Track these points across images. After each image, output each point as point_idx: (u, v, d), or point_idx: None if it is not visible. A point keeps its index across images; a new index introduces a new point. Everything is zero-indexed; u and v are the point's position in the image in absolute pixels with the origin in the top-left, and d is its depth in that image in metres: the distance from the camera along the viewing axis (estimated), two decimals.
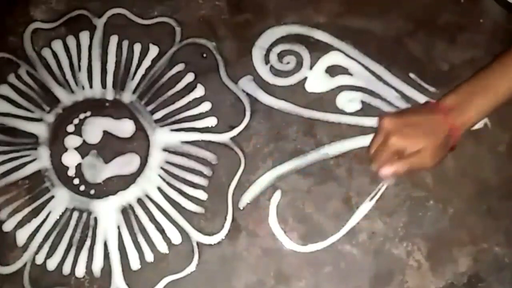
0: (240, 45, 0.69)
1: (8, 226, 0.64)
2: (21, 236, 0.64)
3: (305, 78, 0.68)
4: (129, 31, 0.70)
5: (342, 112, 0.67)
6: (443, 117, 0.58)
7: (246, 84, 0.68)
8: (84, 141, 0.67)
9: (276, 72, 0.68)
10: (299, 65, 0.68)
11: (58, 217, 0.64)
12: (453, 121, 0.58)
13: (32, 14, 0.70)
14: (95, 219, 0.64)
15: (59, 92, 0.68)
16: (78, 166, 0.66)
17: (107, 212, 0.64)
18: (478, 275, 0.61)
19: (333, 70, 0.68)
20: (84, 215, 0.64)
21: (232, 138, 0.66)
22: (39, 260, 0.63)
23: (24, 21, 0.70)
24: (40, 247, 0.63)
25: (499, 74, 0.58)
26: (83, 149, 0.66)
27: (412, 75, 0.67)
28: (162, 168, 0.66)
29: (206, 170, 0.65)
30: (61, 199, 0.65)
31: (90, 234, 0.64)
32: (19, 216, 0.64)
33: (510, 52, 0.59)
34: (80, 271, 0.62)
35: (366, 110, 0.67)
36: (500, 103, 0.59)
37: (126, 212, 0.64)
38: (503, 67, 0.58)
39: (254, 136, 0.66)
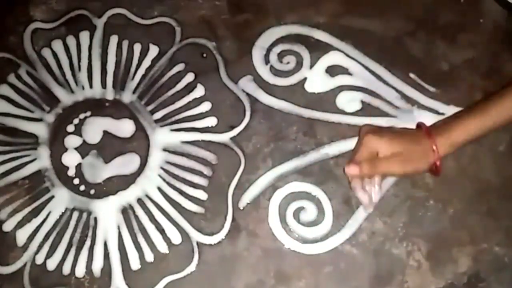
0: (240, 45, 0.69)
1: (8, 226, 0.64)
2: (21, 236, 0.64)
3: (305, 78, 0.68)
4: (129, 31, 0.70)
5: (342, 112, 0.67)
6: (425, 133, 0.58)
7: (246, 84, 0.68)
8: (84, 141, 0.67)
9: (276, 72, 0.68)
10: (299, 65, 0.68)
11: (58, 217, 0.64)
12: (434, 137, 0.57)
13: (32, 14, 0.71)
14: (95, 219, 0.64)
15: (59, 92, 0.68)
16: (78, 166, 0.66)
17: (107, 212, 0.64)
18: (478, 275, 0.61)
19: (333, 70, 0.68)
20: (84, 215, 0.64)
21: (232, 138, 0.66)
22: (39, 260, 0.63)
23: (24, 21, 0.70)
24: (40, 247, 0.63)
25: (492, 100, 0.57)
26: (83, 149, 0.66)
27: (412, 75, 0.67)
28: (162, 168, 0.66)
29: (206, 170, 0.65)
30: (61, 199, 0.65)
31: (90, 234, 0.64)
32: (19, 216, 0.64)
33: (502, 90, 0.58)
34: (80, 271, 0.62)
35: (366, 110, 0.67)
36: (492, 126, 0.57)
37: (126, 212, 0.64)
38: (497, 95, 0.58)
39: (254, 136, 0.66)
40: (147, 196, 0.65)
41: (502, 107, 0.57)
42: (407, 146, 0.57)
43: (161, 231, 0.64)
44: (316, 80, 0.68)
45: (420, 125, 0.60)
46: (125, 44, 0.69)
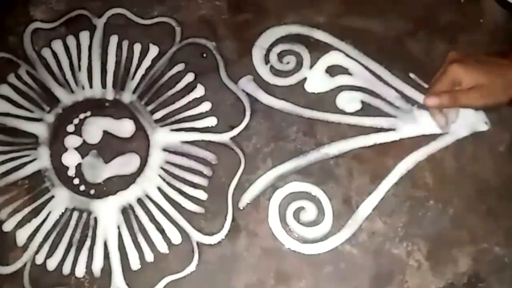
0: (240, 45, 0.69)
1: (8, 226, 0.64)
2: (21, 236, 0.64)
3: (305, 78, 0.68)
4: (129, 31, 0.70)
5: (342, 112, 0.67)
6: (510, 62, 0.56)
7: (246, 84, 0.68)
8: (84, 141, 0.67)
9: (276, 72, 0.68)
10: (299, 65, 0.68)
11: (58, 217, 0.64)
12: None
13: (32, 14, 0.70)
14: (95, 219, 0.64)
15: (59, 92, 0.68)
16: (78, 166, 0.66)
17: (107, 212, 0.64)
18: (478, 275, 0.61)
19: (333, 70, 0.68)
20: (84, 215, 0.64)
21: (232, 138, 0.66)
22: (39, 260, 0.63)
23: (24, 21, 0.70)
24: (40, 247, 0.63)
25: None
26: (83, 149, 0.66)
27: (412, 75, 0.67)
28: (162, 168, 0.66)
29: (206, 170, 0.65)
30: (61, 199, 0.65)
31: (90, 234, 0.64)
32: (19, 216, 0.64)
33: None
34: (80, 271, 0.62)
35: (366, 110, 0.67)
36: None
37: (126, 212, 0.64)
38: None
39: (254, 136, 0.66)
40: (147, 196, 0.65)
41: None
42: (491, 78, 0.55)
43: (161, 231, 0.64)
44: (316, 80, 0.68)
45: (506, 53, 0.58)
46: (125, 44, 0.69)
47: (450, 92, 0.56)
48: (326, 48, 0.69)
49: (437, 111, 0.59)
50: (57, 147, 0.66)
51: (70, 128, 0.67)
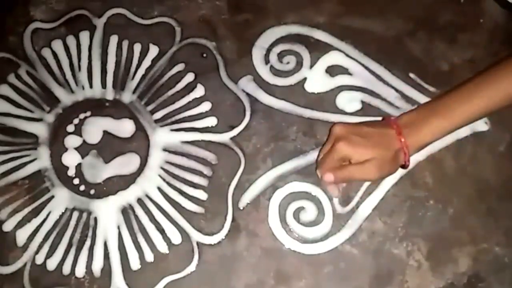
0: (240, 45, 0.69)
1: (8, 226, 0.64)
2: (21, 236, 0.64)
3: (305, 78, 0.68)
4: (129, 31, 0.70)
5: (342, 112, 0.67)
6: (395, 132, 0.58)
7: (246, 84, 0.68)
8: (84, 141, 0.67)
9: (276, 72, 0.68)
10: (299, 65, 0.68)
11: (58, 217, 0.64)
12: (405, 138, 0.57)
13: (32, 14, 0.70)
14: (95, 219, 0.64)
15: (59, 92, 0.68)
16: (78, 166, 0.66)
17: (107, 212, 0.64)
18: (478, 275, 0.61)
19: (333, 70, 0.68)
20: (84, 215, 0.64)
21: (232, 138, 0.66)
22: (39, 260, 0.63)
23: (24, 21, 0.70)
24: (40, 247, 0.63)
25: (459, 97, 0.58)
26: (83, 149, 0.66)
27: (412, 75, 0.67)
28: (162, 168, 0.66)
29: (206, 170, 0.65)
30: (61, 199, 0.65)
31: (90, 234, 0.64)
32: (19, 216, 0.64)
33: (474, 78, 0.58)
34: (80, 271, 0.62)
35: (366, 110, 0.67)
36: (458, 126, 0.58)
37: (126, 212, 0.64)
38: (465, 90, 0.58)
39: (254, 136, 0.66)
40: (147, 196, 0.65)
41: (471, 103, 0.57)
42: (379, 152, 0.57)
43: (161, 231, 0.64)
44: (316, 80, 0.68)
45: (389, 122, 0.59)
46: (125, 44, 0.69)
47: (344, 168, 0.57)
48: (326, 48, 0.69)
49: (331, 185, 0.60)
50: (57, 147, 0.66)
51: (70, 128, 0.67)
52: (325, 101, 0.67)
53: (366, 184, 0.64)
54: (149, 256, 0.63)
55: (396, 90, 0.67)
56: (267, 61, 0.68)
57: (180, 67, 0.69)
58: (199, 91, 0.68)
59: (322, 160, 0.60)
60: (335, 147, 0.57)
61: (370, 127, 0.59)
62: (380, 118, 0.63)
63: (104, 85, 0.68)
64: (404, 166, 0.60)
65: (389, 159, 0.57)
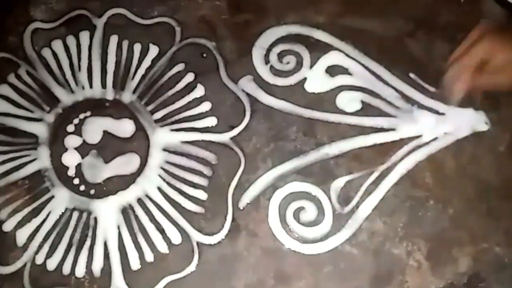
0: (240, 45, 0.69)
1: (8, 226, 0.64)
2: (21, 236, 0.64)
3: (305, 78, 0.68)
4: (129, 31, 0.70)
5: (342, 112, 0.67)
6: None
7: (246, 84, 0.68)
8: (84, 141, 0.66)
9: (276, 72, 0.68)
10: (299, 65, 0.68)
11: (58, 217, 0.64)
12: None
13: (32, 14, 0.70)
14: (95, 219, 0.64)
15: (59, 92, 0.68)
16: (78, 166, 0.66)
17: (107, 212, 0.64)
18: (478, 275, 0.61)
19: (333, 70, 0.68)
20: (84, 215, 0.64)
21: (232, 138, 0.66)
22: (39, 260, 0.63)
23: (24, 21, 0.70)
24: (40, 247, 0.63)
25: None
26: (83, 149, 0.66)
27: (412, 75, 0.67)
28: (162, 168, 0.66)
29: (206, 170, 0.65)
30: (61, 199, 0.65)
31: (90, 234, 0.64)
32: (19, 216, 0.64)
33: None
34: (80, 271, 0.62)
35: (366, 110, 0.67)
36: None
37: (126, 212, 0.64)
38: None
39: (254, 136, 0.66)
40: (147, 196, 0.65)
41: None
42: None
43: (161, 231, 0.64)
44: (316, 80, 0.68)
45: None
46: (125, 44, 0.69)
47: (480, 73, 0.51)
48: (326, 48, 0.68)
49: (456, 82, 0.55)
50: (57, 147, 0.66)
51: (70, 128, 0.67)
52: (325, 101, 0.67)
53: (366, 184, 0.64)
54: (149, 256, 0.63)
55: (396, 90, 0.67)
56: (267, 61, 0.68)
57: (180, 67, 0.69)
58: (199, 91, 0.68)
59: (458, 56, 0.53)
60: (473, 48, 0.51)
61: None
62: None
63: (104, 85, 0.68)
64: None
65: None
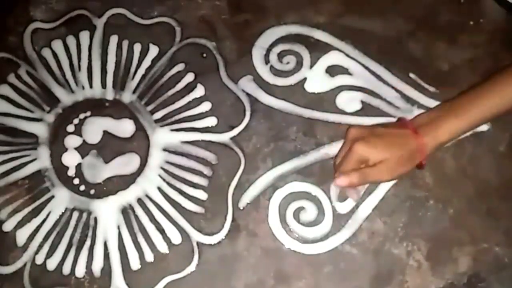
0: (240, 45, 0.69)
1: (8, 226, 0.64)
2: (21, 236, 0.64)
3: (305, 78, 0.68)
4: (129, 31, 0.70)
5: (342, 112, 0.67)
6: (411, 132, 0.57)
7: (246, 84, 0.68)
8: (84, 141, 0.67)
9: (276, 72, 0.68)
10: (299, 65, 0.68)
11: (58, 217, 0.64)
12: (421, 137, 0.57)
13: (32, 14, 0.70)
14: (95, 219, 0.64)
15: (59, 92, 0.68)
16: (78, 166, 0.66)
17: (107, 212, 0.64)
18: (478, 275, 0.61)
19: (333, 70, 0.68)
20: (84, 215, 0.64)
21: (232, 138, 0.66)
22: (39, 260, 0.63)
23: (24, 21, 0.70)
24: (40, 247, 0.63)
25: (475, 96, 0.58)
26: (83, 149, 0.66)
27: (412, 75, 0.67)
28: (162, 168, 0.66)
29: (206, 170, 0.65)
30: (61, 199, 0.65)
31: (90, 234, 0.64)
32: (19, 216, 0.64)
33: (490, 78, 0.58)
34: (80, 271, 0.62)
35: (366, 110, 0.67)
36: (474, 125, 0.58)
37: (126, 212, 0.64)
38: (481, 91, 0.58)
39: (254, 136, 0.66)
40: (147, 196, 0.65)
41: (488, 102, 0.57)
42: (395, 151, 0.57)
43: (161, 231, 0.64)
44: (316, 80, 0.68)
45: (405, 122, 0.60)
46: (125, 44, 0.69)
47: (359, 170, 0.56)
48: (326, 48, 0.69)
49: (348, 188, 0.61)
50: (57, 147, 0.67)
51: (70, 128, 0.67)
52: (325, 101, 0.67)
53: (366, 184, 0.64)
54: (149, 256, 0.63)
55: (396, 90, 0.67)
56: (267, 61, 0.68)
57: (180, 67, 0.69)
58: (199, 91, 0.68)
59: (339, 164, 0.59)
60: (353, 149, 0.56)
61: (386, 128, 0.59)
62: (394, 119, 0.64)
63: (104, 85, 0.68)
64: (420, 166, 0.59)
65: (405, 159, 0.57)
